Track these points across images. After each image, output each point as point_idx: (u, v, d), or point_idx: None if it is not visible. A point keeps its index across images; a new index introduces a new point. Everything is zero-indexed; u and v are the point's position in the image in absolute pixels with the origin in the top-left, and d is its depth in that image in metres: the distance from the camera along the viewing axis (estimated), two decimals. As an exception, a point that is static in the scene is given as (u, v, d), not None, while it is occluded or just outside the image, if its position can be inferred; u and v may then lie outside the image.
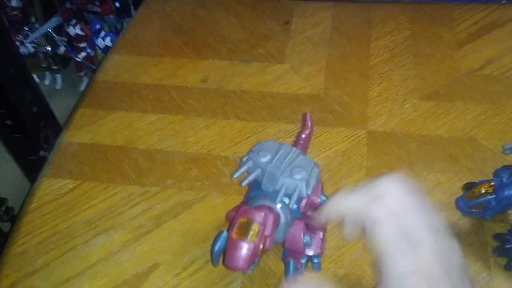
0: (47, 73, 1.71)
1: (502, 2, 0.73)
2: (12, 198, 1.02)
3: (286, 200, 0.40)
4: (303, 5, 0.78)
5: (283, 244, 0.42)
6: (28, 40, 1.54)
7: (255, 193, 0.41)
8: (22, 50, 1.57)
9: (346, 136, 0.58)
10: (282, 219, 0.40)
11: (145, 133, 0.60)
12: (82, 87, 1.68)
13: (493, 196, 0.44)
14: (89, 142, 0.60)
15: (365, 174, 0.54)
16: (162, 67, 0.70)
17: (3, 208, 0.88)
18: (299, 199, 0.40)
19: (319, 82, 0.65)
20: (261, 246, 0.36)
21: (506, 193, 0.43)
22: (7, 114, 0.79)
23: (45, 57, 1.63)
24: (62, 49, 1.60)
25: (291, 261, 0.42)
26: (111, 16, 1.49)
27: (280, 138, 0.58)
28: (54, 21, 1.51)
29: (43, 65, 1.66)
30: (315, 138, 0.57)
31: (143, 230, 0.51)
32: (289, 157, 0.40)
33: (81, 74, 1.67)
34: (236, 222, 0.37)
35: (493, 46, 0.67)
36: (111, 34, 1.48)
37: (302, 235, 0.41)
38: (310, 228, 0.43)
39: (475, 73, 0.64)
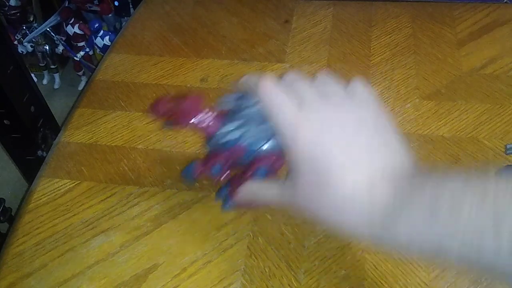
0: (45, 72, 1.71)
1: (504, 1, 0.73)
2: (9, 199, 1.01)
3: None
4: (303, 4, 0.77)
5: None
6: (26, 39, 1.54)
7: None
8: (21, 49, 1.57)
9: (347, 135, 0.57)
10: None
11: (144, 133, 0.60)
12: (81, 86, 1.68)
13: (496, 196, 0.44)
14: (87, 142, 0.60)
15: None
16: (161, 67, 0.69)
17: (1, 209, 0.87)
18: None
19: (319, 81, 0.64)
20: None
21: (509, 193, 0.43)
22: (5, 113, 0.78)
23: (43, 56, 1.63)
24: (60, 48, 1.59)
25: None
26: (110, 15, 1.48)
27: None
28: (53, 20, 1.51)
29: (41, 64, 1.66)
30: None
31: (142, 230, 0.50)
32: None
33: (80, 73, 1.66)
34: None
35: (495, 45, 0.67)
36: (110, 33, 1.47)
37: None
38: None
39: (476, 72, 0.64)
